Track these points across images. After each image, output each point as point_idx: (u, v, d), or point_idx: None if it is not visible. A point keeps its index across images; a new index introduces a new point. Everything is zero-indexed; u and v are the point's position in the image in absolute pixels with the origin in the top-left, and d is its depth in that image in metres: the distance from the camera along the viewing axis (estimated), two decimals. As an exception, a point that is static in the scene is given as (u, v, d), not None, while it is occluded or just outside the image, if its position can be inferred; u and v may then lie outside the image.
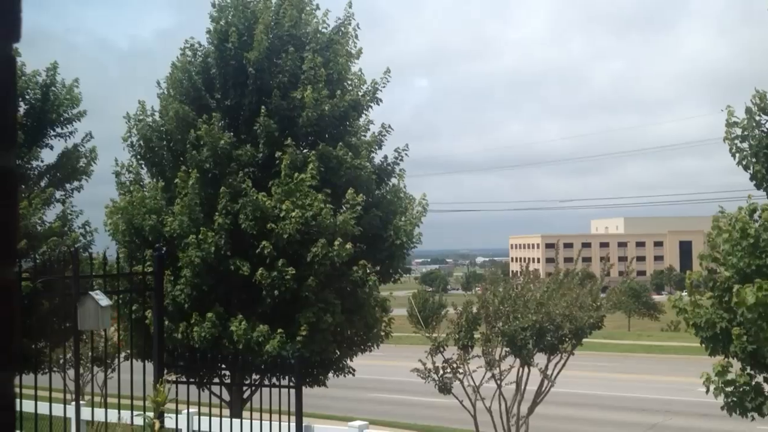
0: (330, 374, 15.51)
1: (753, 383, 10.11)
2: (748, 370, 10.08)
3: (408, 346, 30.95)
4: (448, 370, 14.08)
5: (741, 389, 10.06)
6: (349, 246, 13.71)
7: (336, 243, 13.60)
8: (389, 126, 16.10)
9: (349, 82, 15.79)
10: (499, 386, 14.14)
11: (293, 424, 9.68)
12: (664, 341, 54.04)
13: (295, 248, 13.84)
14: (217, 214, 14.01)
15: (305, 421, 10.00)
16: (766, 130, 10.51)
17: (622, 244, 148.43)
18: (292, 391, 9.99)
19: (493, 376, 14.14)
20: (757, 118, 10.53)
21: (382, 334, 15.94)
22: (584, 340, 15.14)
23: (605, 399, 29.03)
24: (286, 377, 11.35)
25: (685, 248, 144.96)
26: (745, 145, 10.59)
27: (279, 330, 13.48)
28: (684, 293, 11.81)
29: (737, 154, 10.64)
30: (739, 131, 10.62)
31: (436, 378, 14.07)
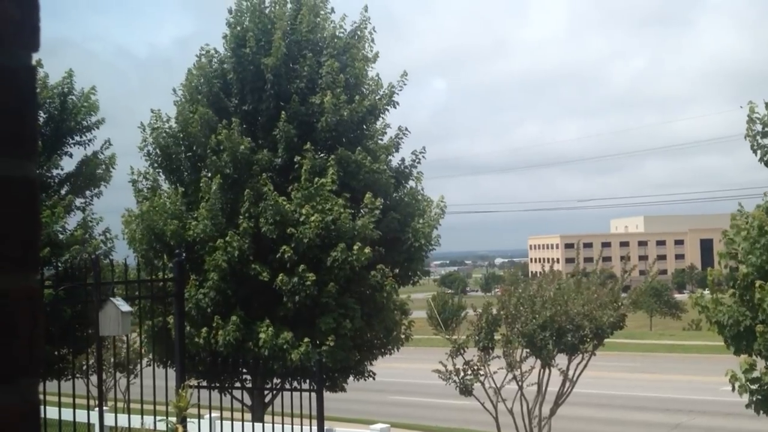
0: (350, 378, 15.52)
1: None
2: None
3: (428, 348, 30.90)
4: (469, 372, 14.05)
5: (766, 387, 9.96)
6: (368, 250, 13.72)
7: (355, 247, 13.62)
8: (406, 129, 16.12)
9: (366, 87, 15.82)
10: (521, 387, 14.08)
11: (315, 428, 9.70)
12: (686, 340, 53.60)
13: (315, 253, 13.87)
14: (241, 217, 14.08)
15: (326, 424, 10.03)
16: None
17: (642, 243, 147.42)
18: (313, 394, 10.01)
19: (514, 377, 14.09)
20: None
21: (402, 337, 15.93)
22: (606, 340, 15.05)
23: (628, 399, 28.84)
24: (307, 381, 11.39)
25: (707, 246, 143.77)
26: (767, 141, 10.50)
27: (305, 339, 13.51)
28: (706, 291, 11.71)
29: (759, 151, 10.55)
30: (760, 127, 10.52)
31: (457, 380, 14.04)
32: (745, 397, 10.28)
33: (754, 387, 10.09)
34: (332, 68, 14.94)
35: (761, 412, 10.15)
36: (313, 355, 13.28)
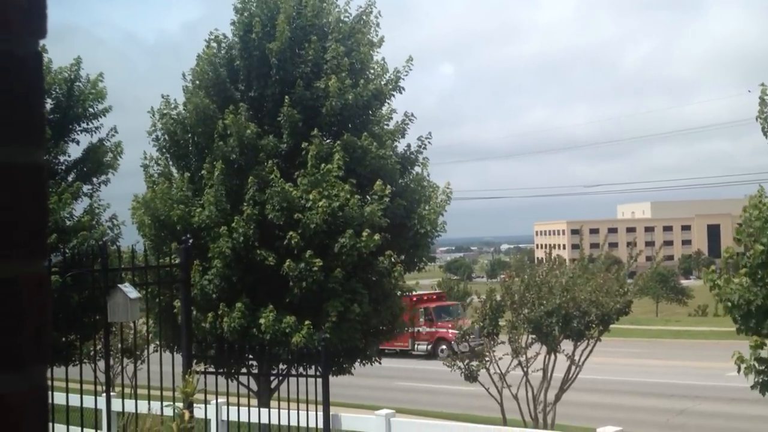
0: (356, 363, 15.57)
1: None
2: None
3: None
4: (474, 358, 14.08)
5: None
6: (377, 237, 13.73)
7: (364, 234, 13.63)
8: (412, 114, 16.09)
9: (372, 71, 15.77)
10: (526, 373, 14.12)
11: (320, 413, 9.73)
12: (692, 326, 53.56)
13: (322, 239, 13.88)
14: (245, 204, 14.10)
15: (332, 410, 10.05)
16: None
17: (649, 229, 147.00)
18: (319, 380, 10.03)
19: (520, 363, 14.12)
20: None
21: (408, 322, 15.98)
22: (612, 326, 15.06)
23: (633, 385, 28.86)
24: (313, 367, 11.41)
25: (714, 232, 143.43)
26: None
27: (306, 322, 13.55)
28: (716, 267, 11.61)
29: None
30: None
31: (462, 366, 14.08)
32: (751, 379, 10.27)
33: (761, 367, 10.07)
34: (337, 52, 14.90)
35: (766, 393, 10.15)
36: (317, 336, 13.34)
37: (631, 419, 19.84)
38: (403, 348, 37.34)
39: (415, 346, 38.44)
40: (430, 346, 37.60)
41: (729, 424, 21.22)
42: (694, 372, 31.41)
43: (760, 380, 10.17)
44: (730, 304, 10.49)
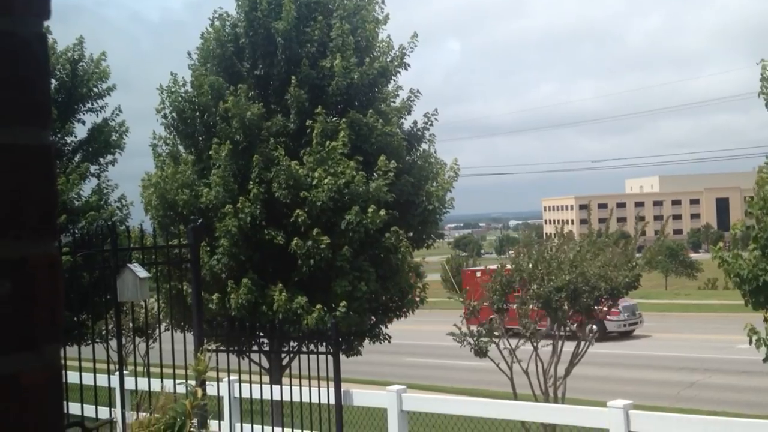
0: (366, 341, 15.64)
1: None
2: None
3: (442, 311, 31.00)
4: (484, 333, 14.11)
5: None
6: (382, 213, 13.74)
7: (370, 210, 13.63)
8: (418, 91, 16.02)
9: (378, 49, 15.70)
10: (536, 348, 14.14)
11: (332, 390, 9.80)
12: (701, 299, 53.57)
13: (329, 216, 13.90)
14: (251, 183, 14.10)
15: (343, 386, 10.11)
16: None
17: (657, 203, 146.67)
18: (330, 357, 10.09)
19: (529, 338, 14.13)
20: None
21: (417, 299, 16.00)
22: (621, 300, 15.05)
23: (643, 358, 28.94)
24: (323, 344, 11.48)
25: (722, 205, 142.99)
26: None
27: (318, 305, 13.59)
28: (727, 244, 11.61)
29: None
30: None
31: (472, 342, 14.10)
32: (763, 352, 10.29)
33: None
34: (342, 30, 14.82)
35: None
36: (328, 319, 13.39)
37: (641, 392, 19.91)
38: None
39: None
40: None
41: (740, 396, 21.27)
42: (703, 345, 31.45)
43: (771, 353, 10.19)
44: (738, 279, 10.49)
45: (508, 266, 15.11)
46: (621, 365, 27.17)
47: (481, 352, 14.03)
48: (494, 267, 15.22)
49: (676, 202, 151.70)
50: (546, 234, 39.25)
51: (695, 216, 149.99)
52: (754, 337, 10.35)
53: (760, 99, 10.55)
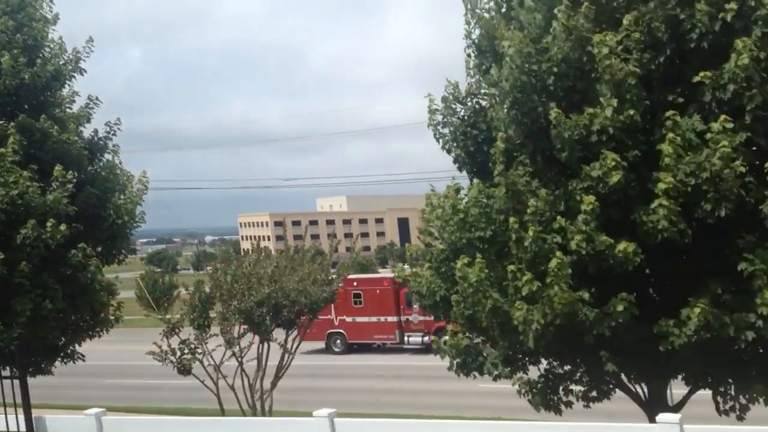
0: (57, 362, 14.69)
1: (472, 344, 11.27)
2: (467, 334, 11.21)
3: (141, 329, 29.95)
4: (186, 350, 13.99)
5: (463, 350, 11.20)
6: (63, 227, 12.97)
7: (49, 224, 12.82)
8: (97, 98, 15.38)
9: (49, 50, 14.89)
10: (241, 363, 14.34)
11: (21, 416, 9.14)
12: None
13: (2, 230, 12.85)
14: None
15: (35, 412, 9.49)
16: (461, 117, 11.42)
17: (346, 222, 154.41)
18: (17, 381, 9.42)
19: (234, 354, 14.29)
20: (453, 106, 11.44)
21: (112, 318, 15.36)
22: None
23: (342, 369, 30.29)
24: (8, 368, 10.66)
25: (404, 224, 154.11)
26: (446, 130, 11.42)
27: None
28: (406, 265, 12.80)
29: (440, 139, 11.43)
30: (440, 117, 11.45)
31: (174, 360, 13.93)
32: (447, 361, 11.46)
33: (454, 351, 11.26)
34: (7, 26, 13.91)
35: (461, 373, 11.35)
36: (9, 335, 12.40)
37: (343, 401, 20.96)
38: (387, 341, 34.11)
39: (406, 338, 33.75)
40: (427, 338, 31.66)
41: (438, 400, 23.15)
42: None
43: (456, 362, 11.37)
44: (419, 295, 11.64)
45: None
46: (325, 376, 28.33)
47: (184, 370, 13.90)
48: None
49: (363, 221, 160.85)
50: (243, 250, 39.48)
51: (381, 234, 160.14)
52: (436, 347, 11.61)
53: (429, 129, 11.60)
